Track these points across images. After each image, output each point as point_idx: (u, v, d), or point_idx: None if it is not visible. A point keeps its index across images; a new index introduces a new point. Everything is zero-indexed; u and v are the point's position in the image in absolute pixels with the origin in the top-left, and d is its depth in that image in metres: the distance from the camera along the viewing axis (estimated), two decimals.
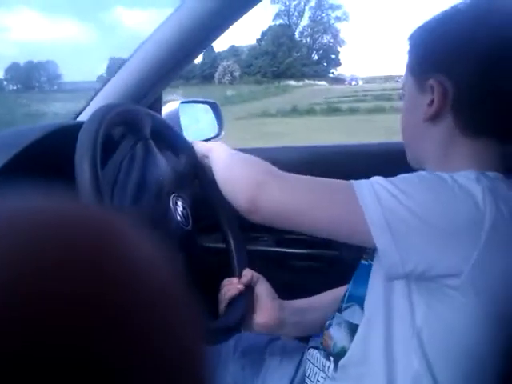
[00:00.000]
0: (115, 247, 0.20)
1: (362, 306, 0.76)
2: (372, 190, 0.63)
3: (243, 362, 0.97)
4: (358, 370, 0.74)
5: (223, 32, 0.94)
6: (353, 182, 0.66)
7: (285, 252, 1.30)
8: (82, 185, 0.68)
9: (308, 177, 0.71)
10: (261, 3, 0.88)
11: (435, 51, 0.71)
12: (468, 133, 0.69)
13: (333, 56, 51.79)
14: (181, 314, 0.21)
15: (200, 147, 0.99)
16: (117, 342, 0.18)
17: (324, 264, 1.31)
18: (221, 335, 0.83)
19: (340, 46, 53.88)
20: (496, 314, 0.63)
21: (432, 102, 0.71)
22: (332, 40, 50.80)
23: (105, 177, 0.73)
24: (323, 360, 0.81)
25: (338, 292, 0.91)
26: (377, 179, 0.65)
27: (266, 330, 0.90)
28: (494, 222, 0.59)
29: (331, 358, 0.79)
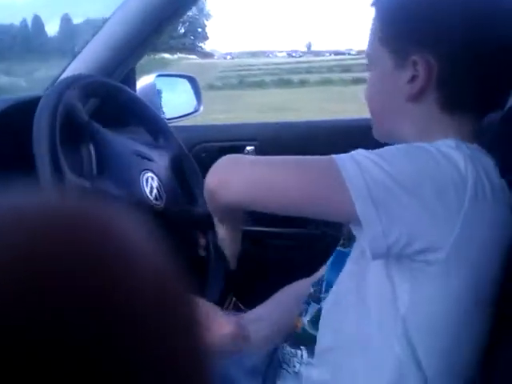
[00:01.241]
0: (111, 242, 0.20)
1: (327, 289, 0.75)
2: (354, 162, 0.60)
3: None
4: (334, 356, 0.73)
5: (195, 2, 0.90)
6: (334, 156, 0.63)
7: (264, 231, 1.29)
8: (41, 162, 0.66)
9: (285, 157, 0.68)
10: None
11: (419, 25, 0.67)
12: (446, 108, 0.69)
13: (199, 30, 50.75)
14: (179, 306, 0.21)
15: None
16: (116, 342, 0.18)
17: (303, 243, 1.30)
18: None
19: (207, 20, 52.55)
20: (477, 290, 0.63)
21: (412, 79, 0.68)
22: (198, 13, 49.31)
23: (67, 155, 0.70)
24: (292, 350, 0.79)
25: (302, 286, 0.88)
26: (358, 151, 0.63)
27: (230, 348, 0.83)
28: (475, 188, 0.59)
29: (301, 347, 0.77)
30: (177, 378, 0.20)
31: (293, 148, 1.31)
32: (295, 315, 0.82)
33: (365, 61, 0.77)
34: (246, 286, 1.19)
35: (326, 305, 0.74)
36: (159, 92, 1.29)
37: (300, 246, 1.31)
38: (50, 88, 0.80)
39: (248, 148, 1.30)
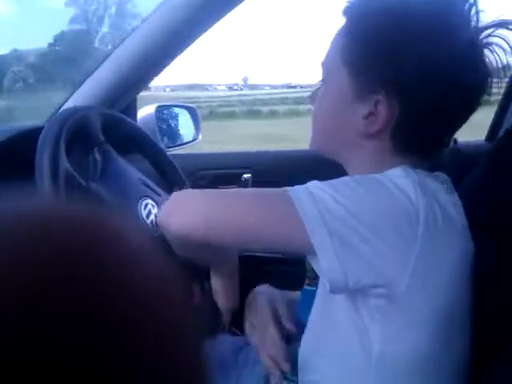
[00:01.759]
0: (113, 248, 0.20)
1: (302, 329, 0.75)
2: (307, 193, 0.60)
3: (217, 367, 0.96)
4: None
5: (199, 36, 0.94)
6: (287, 188, 0.62)
7: (259, 256, 1.30)
8: (41, 183, 0.68)
9: (241, 189, 0.71)
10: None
11: (394, 64, 0.64)
12: (399, 151, 0.68)
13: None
14: (180, 313, 0.21)
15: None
16: (117, 347, 0.18)
17: (300, 268, 1.30)
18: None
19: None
20: (447, 314, 0.63)
21: (369, 115, 0.66)
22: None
23: (67, 182, 0.72)
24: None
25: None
26: (313, 182, 0.62)
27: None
28: (427, 218, 0.58)
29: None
30: (176, 373, 0.20)
31: (289, 176, 1.32)
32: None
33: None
34: (241, 310, 1.19)
35: (304, 348, 0.73)
36: (160, 122, 1.32)
37: (297, 272, 1.31)
38: (51, 118, 0.82)
39: (245, 176, 1.32)
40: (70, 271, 0.18)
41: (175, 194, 0.70)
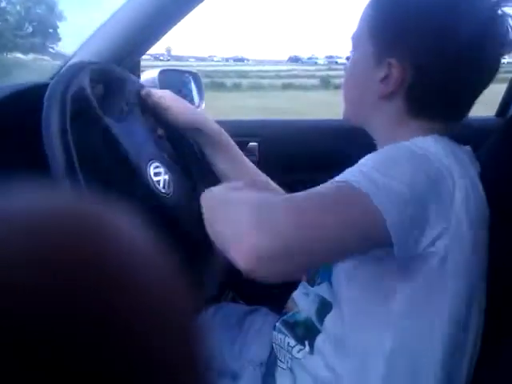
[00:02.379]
0: (107, 243, 0.20)
1: (331, 285, 0.75)
2: (371, 182, 0.59)
3: (221, 332, 0.96)
4: (332, 349, 0.74)
5: None
6: (348, 180, 0.60)
7: None
8: (50, 146, 0.65)
9: (309, 202, 0.60)
10: None
11: (404, 31, 0.69)
12: (416, 114, 0.71)
13: (50, 30, 45.78)
14: (176, 304, 0.21)
15: (185, 120, 0.93)
16: (117, 349, 0.18)
17: None
18: (204, 305, 0.82)
19: (59, 21, 47.51)
20: (471, 289, 0.66)
21: (385, 78, 0.70)
22: (48, 12, 44.69)
23: (77, 145, 0.69)
24: (291, 341, 0.80)
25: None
26: (363, 167, 0.62)
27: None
28: (460, 183, 0.62)
29: (306, 342, 0.78)
30: (176, 372, 0.20)
31: (295, 145, 1.31)
32: None
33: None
34: (244, 281, 1.18)
35: (336, 305, 0.74)
36: (162, 86, 1.29)
37: None
38: (58, 74, 0.79)
39: (251, 144, 1.30)
40: (71, 276, 0.17)
41: (259, 246, 0.56)
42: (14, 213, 0.19)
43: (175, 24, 0.93)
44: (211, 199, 0.71)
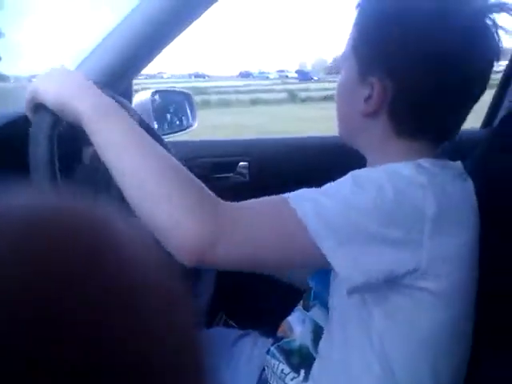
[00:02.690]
0: (108, 247, 0.20)
1: (324, 306, 0.75)
2: (310, 201, 0.60)
3: (212, 358, 0.95)
4: (329, 374, 0.73)
5: (198, 16, 0.91)
6: (289, 200, 0.61)
7: None
8: (35, 165, 0.64)
9: (251, 208, 0.62)
10: None
11: (386, 49, 0.67)
12: (403, 134, 0.70)
13: None
14: (173, 307, 0.21)
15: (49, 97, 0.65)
16: (112, 348, 0.18)
17: None
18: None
19: None
20: (453, 301, 0.65)
21: (368, 98, 0.69)
22: None
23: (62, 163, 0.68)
24: (284, 367, 0.80)
25: None
26: (314, 191, 0.62)
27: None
28: (434, 210, 0.60)
29: (301, 370, 0.77)
30: (175, 371, 0.20)
31: (285, 163, 1.32)
32: None
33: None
34: (236, 303, 1.18)
35: (326, 328, 0.74)
36: (155, 107, 1.30)
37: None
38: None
39: (242, 163, 1.31)
40: (67, 281, 0.17)
41: (205, 233, 0.57)
42: (9, 211, 0.19)
43: (168, 44, 0.95)
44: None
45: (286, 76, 46.91)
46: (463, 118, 0.72)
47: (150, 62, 0.99)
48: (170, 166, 0.60)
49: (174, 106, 1.43)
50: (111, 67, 0.91)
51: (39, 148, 0.65)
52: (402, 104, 0.68)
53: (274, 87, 27.44)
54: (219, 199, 0.60)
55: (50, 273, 0.17)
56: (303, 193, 0.62)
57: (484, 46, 0.66)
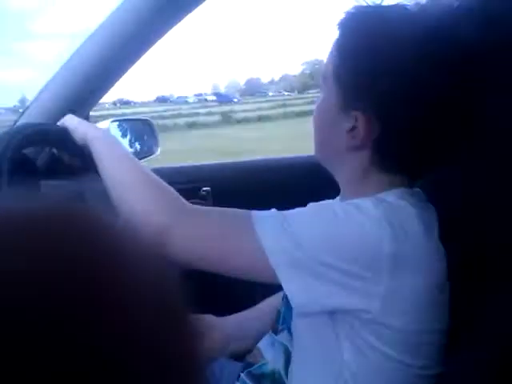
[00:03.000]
0: (104, 250, 0.20)
1: (289, 332, 0.75)
2: (271, 222, 0.61)
3: None
4: None
5: (158, 40, 0.92)
6: (253, 217, 0.63)
7: None
8: None
9: (211, 212, 0.69)
10: None
11: (372, 82, 0.64)
12: (379, 168, 0.69)
13: None
14: (176, 319, 0.21)
15: (78, 132, 0.82)
16: (107, 352, 0.18)
17: None
18: None
19: None
20: (415, 332, 0.63)
21: (352, 130, 0.67)
22: None
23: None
24: None
25: (274, 301, 0.89)
26: (277, 215, 0.63)
27: (215, 353, 0.87)
28: (394, 246, 0.58)
29: None
30: (167, 378, 0.20)
31: (249, 188, 1.33)
32: (243, 335, 0.85)
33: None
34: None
35: (293, 353, 0.74)
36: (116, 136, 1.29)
37: None
38: None
39: (204, 189, 1.31)
40: (64, 284, 0.18)
41: (164, 219, 0.67)
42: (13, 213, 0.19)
43: (126, 71, 0.94)
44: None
45: (205, 99, 47.09)
46: (449, 151, 0.70)
47: (107, 90, 0.99)
48: (145, 174, 0.73)
49: (134, 134, 1.42)
50: (66, 101, 0.90)
51: None
52: (386, 139, 0.66)
53: (200, 110, 27.66)
54: (186, 202, 0.69)
55: (46, 271, 0.17)
56: (267, 212, 0.64)
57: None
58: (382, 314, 0.59)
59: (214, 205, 1.27)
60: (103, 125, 1.28)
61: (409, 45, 0.63)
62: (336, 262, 0.58)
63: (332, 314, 0.63)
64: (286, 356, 0.75)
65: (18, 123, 0.95)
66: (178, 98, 55.71)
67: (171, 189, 0.71)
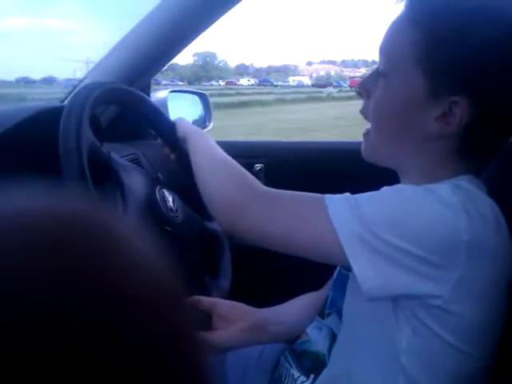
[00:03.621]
0: (106, 246, 0.20)
1: (339, 316, 0.73)
2: (345, 203, 0.60)
3: (221, 358, 0.95)
4: (336, 382, 0.71)
5: (221, 15, 0.91)
6: (326, 199, 0.61)
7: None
8: (66, 164, 0.65)
9: (283, 194, 0.68)
10: None
11: (471, 65, 0.60)
12: (465, 154, 0.65)
13: None
14: (171, 308, 0.21)
15: (181, 128, 0.89)
16: (112, 346, 0.18)
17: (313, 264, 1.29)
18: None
19: None
20: (481, 325, 0.61)
21: (443, 117, 0.62)
22: None
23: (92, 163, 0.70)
24: (295, 372, 0.78)
25: (314, 297, 0.89)
26: (349, 198, 0.61)
27: (250, 340, 0.86)
28: (471, 234, 0.56)
29: (311, 375, 0.75)
30: (172, 378, 0.20)
31: (301, 168, 1.32)
32: (306, 322, 0.82)
33: None
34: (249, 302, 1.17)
35: (340, 336, 0.73)
36: (172, 108, 1.30)
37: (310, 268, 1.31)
38: (72, 95, 0.80)
39: (257, 166, 1.31)
40: (73, 279, 0.18)
41: (239, 198, 0.68)
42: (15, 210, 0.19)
43: (188, 44, 0.95)
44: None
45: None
46: None
47: (169, 61, 0.99)
48: (227, 161, 0.76)
49: (190, 107, 1.43)
50: (131, 65, 0.91)
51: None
52: (480, 125, 0.61)
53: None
54: (260, 184, 0.70)
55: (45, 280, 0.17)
56: (340, 195, 0.62)
57: None
58: (451, 300, 0.57)
59: (266, 182, 1.28)
60: (161, 94, 1.29)
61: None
62: (410, 247, 0.56)
63: (395, 299, 0.62)
64: (332, 340, 0.74)
65: (85, 82, 0.97)
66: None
67: (245, 172, 0.73)
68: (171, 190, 0.89)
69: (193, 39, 0.95)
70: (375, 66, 0.70)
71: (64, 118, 0.68)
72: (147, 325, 0.19)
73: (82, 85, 0.82)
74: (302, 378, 0.76)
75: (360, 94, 0.71)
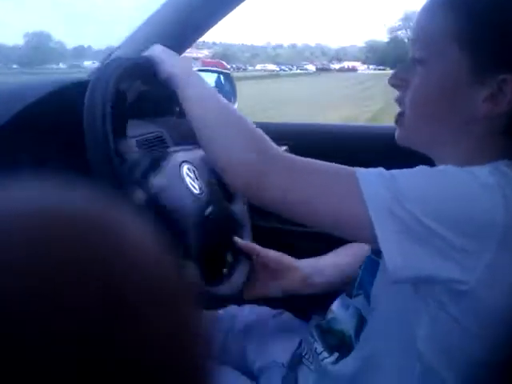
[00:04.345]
0: (113, 242, 0.20)
1: (367, 299, 0.73)
2: (378, 177, 0.57)
3: (245, 335, 0.96)
4: (363, 364, 0.71)
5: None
6: (357, 172, 0.59)
7: (292, 231, 1.28)
8: (91, 135, 0.65)
9: (310, 163, 0.63)
10: None
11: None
12: (506, 133, 0.63)
13: None
14: (180, 308, 0.21)
15: (162, 65, 0.76)
16: (114, 342, 0.18)
17: (332, 246, 1.29)
18: (222, 301, 0.84)
19: None
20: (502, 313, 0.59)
21: (490, 97, 0.60)
22: None
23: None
24: (318, 347, 0.79)
25: (358, 248, 0.88)
26: (383, 173, 0.59)
27: (293, 291, 0.90)
28: (507, 216, 0.54)
29: (335, 353, 0.76)
30: (175, 378, 0.20)
31: (324, 150, 1.30)
32: (352, 268, 0.84)
33: None
34: None
35: (369, 321, 0.72)
36: None
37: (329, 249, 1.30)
38: (99, 68, 0.80)
39: (282, 148, 1.30)
40: (77, 277, 0.18)
41: (259, 165, 0.63)
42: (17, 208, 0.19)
43: (221, 18, 0.93)
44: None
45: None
46: None
47: (204, 33, 0.98)
48: (237, 116, 0.70)
49: (215, 86, 1.42)
50: (165, 36, 0.90)
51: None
52: None
53: None
54: (277, 148, 0.66)
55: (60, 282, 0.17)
56: (373, 168, 0.60)
57: None
58: (479, 285, 0.56)
59: None
60: None
61: None
62: (443, 230, 0.54)
63: (417, 285, 0.61)
64: (358, 320, 0.74)
65: (112, 57, 0.96)
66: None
67: (261, 132, 0.68)
68: (196, 168, 0.89)
69: (228, 12, 0.93)
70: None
71: (89, 93, 0.67)
72: (151, 325, 0.19)
73: (108, 60, 0.81)
74: (325, 354, 0.77)
75: (395, 86, 0.70)
